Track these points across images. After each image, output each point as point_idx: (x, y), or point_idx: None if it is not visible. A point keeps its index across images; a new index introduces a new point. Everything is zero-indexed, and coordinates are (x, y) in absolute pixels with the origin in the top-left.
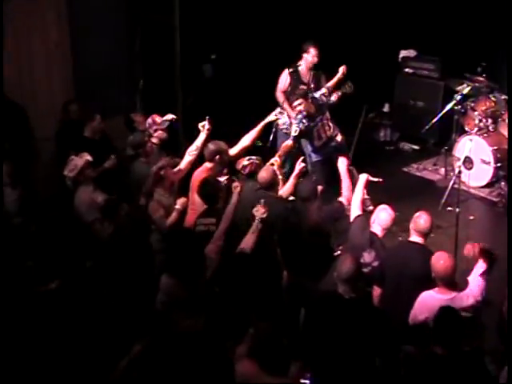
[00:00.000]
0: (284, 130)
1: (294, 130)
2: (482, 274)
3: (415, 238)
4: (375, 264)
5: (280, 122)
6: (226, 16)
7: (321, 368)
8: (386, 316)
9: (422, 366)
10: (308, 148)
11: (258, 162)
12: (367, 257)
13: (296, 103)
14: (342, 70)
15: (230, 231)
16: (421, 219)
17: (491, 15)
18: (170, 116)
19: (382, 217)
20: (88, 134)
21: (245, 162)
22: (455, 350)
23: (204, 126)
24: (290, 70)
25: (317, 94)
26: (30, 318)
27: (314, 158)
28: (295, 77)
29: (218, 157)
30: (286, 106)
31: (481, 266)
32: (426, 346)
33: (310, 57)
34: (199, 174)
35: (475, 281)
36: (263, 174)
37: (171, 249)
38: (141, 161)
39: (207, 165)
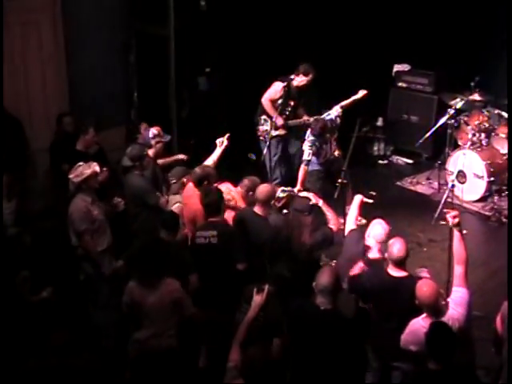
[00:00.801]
0: (261, 137)
1: (308, 154)
2: (465, 301)
3: (391, 268)
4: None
5: (261, 128)
6: (221, 29)
7: (304, 377)
8: (361, 329)
9: (418, 382)
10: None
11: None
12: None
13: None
14: (362, 93)
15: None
16: (393, 247)
17: (484, 30)
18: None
19: (377, 231)
20: (80, 147)
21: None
22: (449, 364)
23: (222, 143)
24: (285, 83)
25: (332, 115)
26: (23, 326)
27: (316, 167)
28: (287, 91)
29: (206, 182)
30: (275, 114)
31: (459, 281)
32: (419, 364)
33: (306, 80)
34: (194, 202)
35: (459, 306)
36: (263, 189)
37: (137, 254)
38: (135, 173)
39: (196, 191)
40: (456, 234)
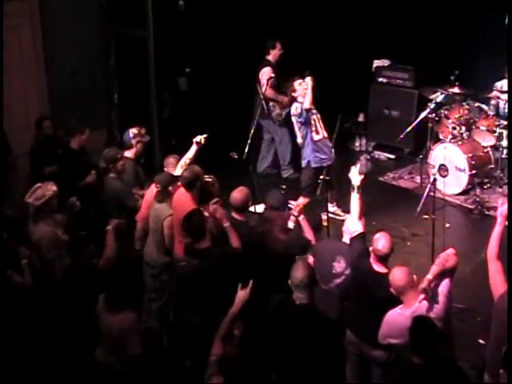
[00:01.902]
0: (277, 123)
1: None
2: (446, 293)
3: (375, 263)
4: (347, 272)
5: (274, 114)
6: (200, 29)
7: (283, 373)
8: (336, 324)
9: (403, 376)
10: (306, 151)
11: (210, 180)
12: (338, 267)
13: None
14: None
15: None
16: (378, 242)
17: (463, 24)
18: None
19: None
20: (74, 145)
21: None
22: (432, 358)
23: (200, 141)
24: (268, 66)
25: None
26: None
27: (313, 163)
28: (274, 71)
29: (198, 183)
30: (279, 96)
31: (445, 284)
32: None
33: (277, 51)
34: (185, 204)
35: (439, 298)
36: (236, 195)
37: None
38: (111, 176)
39: (187, 194)
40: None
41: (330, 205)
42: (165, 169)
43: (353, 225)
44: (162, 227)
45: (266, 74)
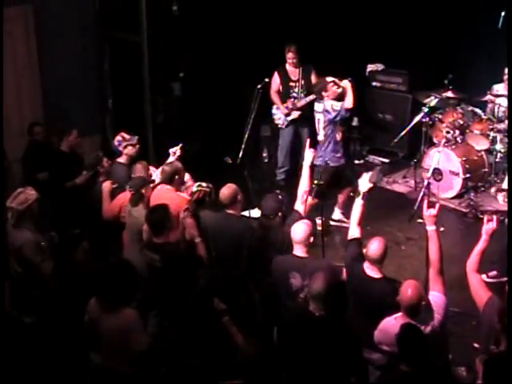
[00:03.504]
0: (279, 125)
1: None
2: (441, 307)
3: (368, 268)
4: (306, 283)
5: (275, 117)
6: (194, 33)
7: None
8: (356, 335)
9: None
10: (325, 150)
11: (207, 189)
12: (295, 283)
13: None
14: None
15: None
16: (370, 246)
17: (456, 28)
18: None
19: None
20: (64, 148)
21: (194, 188)
22: (420, 366)
23: (175, 153)
24: (279, 70)
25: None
26: None
27: (331, 163)
28: (283, 75)
29: (176, 177)
30: (279, 103)
31: (436, 296)
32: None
33: (289, 58)
34: (169, 197)
35: (436, 311)
36: (224, 191)
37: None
38: (99, 181)
39: (167, 187)
40: (430, 235)
41: (338, 211)
42: (132, 175)
43: (350, 230)
44: (140, 228)
45: (272, 79)
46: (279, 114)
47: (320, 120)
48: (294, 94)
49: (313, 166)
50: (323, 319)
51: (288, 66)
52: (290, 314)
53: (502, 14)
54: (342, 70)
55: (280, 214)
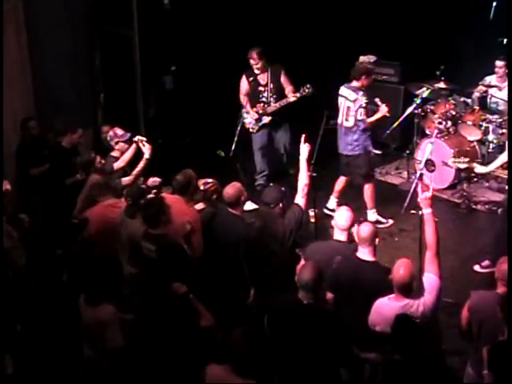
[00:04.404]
0: (250, 130)
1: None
2: (435, 289)
3: (359, 251)
4: None
5: (246, 121)
6: (185, 27)
7: (285, 372)
8: (343, 323)
9: (385, 373)
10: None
11: (215, 186)
12: None
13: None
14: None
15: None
16: (360, 228)
17: (448, 19)
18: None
19: (339, 218)
20: (65, 143)
21: (201, 186)
22: (413, 356)
23: (138, 141)
24: (247, 74)
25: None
26: None
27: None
28: (252, 80)
29: (191, 187)
30: (248, 107)
31: (431, 268)
32: (386, 353)
33: (253, 62)
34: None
35: (428, 291)
36: (229, 190)
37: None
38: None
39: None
40: (426, 218)
41: (333, 200)
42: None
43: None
44: (137, 243)
45: (241, 82)
46: (249, 119)
47: (350, 108)
48: (264, 99)
49: (310, 160)
50: (311, 307)
51: (255, 70)
52: (279, 301)
53: (494, 4)
54: (335, 62)
55: (281, 205)
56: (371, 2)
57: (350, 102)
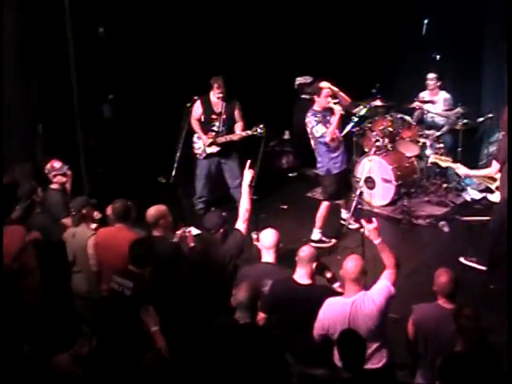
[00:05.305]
0: (198, 155)
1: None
2: (388, 285)
3: (298, 275)
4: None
5: (195, 146)
6: (121, 54)
7: None
8: (280, 342)
9: None
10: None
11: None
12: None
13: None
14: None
15: None
16: (300, 250)
17: (382, 38)
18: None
19: (265, 238)
20: (6, 181)
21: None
22: (361, 371)
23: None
24: (202, 100)
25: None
26: None
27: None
28: (206, 106)
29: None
30: (200, 133)
31: (387, 277)
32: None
33: (215, 93)
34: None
35: (380, 289)
36: (150, 211)
37: None
38: (37, 212)
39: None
40: (379, 248)
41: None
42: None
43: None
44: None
45: (194, 107)
46: (200, 144)
47: (308, 131)
48: (215, 128)
49: (251, 186)
50: (247, 327)
51: (212, 97)
52: (216, 323)
53: (425, 21)
54: (271, 84)
55: (222, 230)
56: (306, 24)
57: (307, 127)
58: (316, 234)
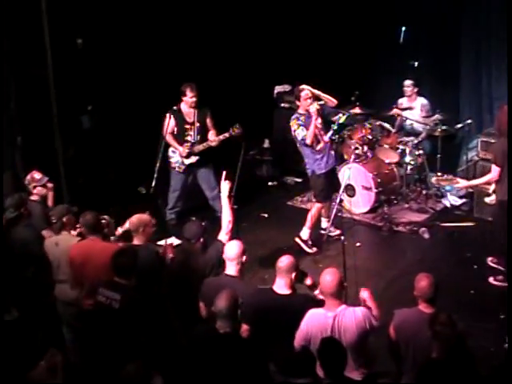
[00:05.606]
0: (176, 169)
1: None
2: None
3: (276, 285)
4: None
5: (172, 160)
6: (100, 65)
7: None
8: (262, 351)
9: None
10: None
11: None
12: None
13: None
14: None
15: None
16: (279, 260)
17: (360, 45)
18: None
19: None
20: None
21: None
22: (342, 379)
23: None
24: (172, 111)
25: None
26: None
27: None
28: (178, 117)
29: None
30: (176, 145)
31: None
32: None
33: (188, 98)
34: (98, 248)
35: (362, 309)
36: (132, 219)
37: None
38: (22, 225)
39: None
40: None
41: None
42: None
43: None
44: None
45: (165, 121)
46: (176, 157)
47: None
48: (189, 138)
49: (230, 196)
50: (227, 336)
51: (183, 107)
52: (197, 332)
53: (403, 29)
54: (251, 93)
55: (202, 240)
56: (284, 31)
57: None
58: (305, 233)
